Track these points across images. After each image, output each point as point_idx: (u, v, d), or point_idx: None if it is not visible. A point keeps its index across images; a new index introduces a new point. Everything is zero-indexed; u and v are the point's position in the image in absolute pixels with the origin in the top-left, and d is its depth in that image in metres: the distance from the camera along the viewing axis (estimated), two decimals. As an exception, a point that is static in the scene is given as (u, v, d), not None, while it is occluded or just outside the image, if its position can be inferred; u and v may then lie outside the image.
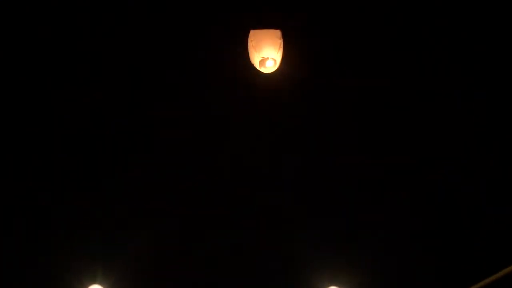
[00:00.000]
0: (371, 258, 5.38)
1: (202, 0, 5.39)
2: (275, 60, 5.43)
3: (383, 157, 5.37)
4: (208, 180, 5.44)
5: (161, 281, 5.47)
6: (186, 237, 5.46)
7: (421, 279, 5.29)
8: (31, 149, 5.42)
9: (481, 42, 5.28)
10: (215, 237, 5.41)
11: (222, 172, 5.44)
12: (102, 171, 5.47)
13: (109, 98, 5.40)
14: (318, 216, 5.43)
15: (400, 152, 5.39)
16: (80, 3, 5.25)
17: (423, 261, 5.34)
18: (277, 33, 5.44)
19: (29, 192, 5.43)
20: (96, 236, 5.45)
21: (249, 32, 5.41)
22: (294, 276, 5.39)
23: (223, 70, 5.49)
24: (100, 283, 5.60)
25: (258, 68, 5.45)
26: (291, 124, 5.49)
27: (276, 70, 5.46)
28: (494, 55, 5.30)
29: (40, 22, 5.29)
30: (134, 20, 5.38)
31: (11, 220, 5.47)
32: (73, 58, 5.38)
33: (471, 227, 5.30)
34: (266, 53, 5.40)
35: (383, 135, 5.43)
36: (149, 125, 5.45)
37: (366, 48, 5.47)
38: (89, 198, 5.45)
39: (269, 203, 5.43)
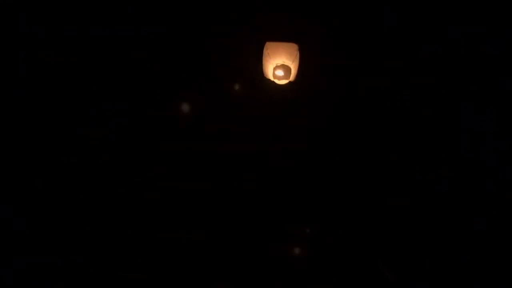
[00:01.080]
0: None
1: (219, 12, 5.42)
2: (289, 70, 5.34)
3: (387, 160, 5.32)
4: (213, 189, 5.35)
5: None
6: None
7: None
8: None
9: (482, 42, 5.27)
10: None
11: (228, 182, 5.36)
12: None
13: (111, 98, 5.38)
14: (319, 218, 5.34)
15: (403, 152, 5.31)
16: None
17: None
18: (294, 46, 5.38)
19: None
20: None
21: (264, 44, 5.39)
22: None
23: (235, 80, 5.44)
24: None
25: (271, 78, 5.37)
26: (299, 134, 5.39)
27: (289, 83, 5.38)
28: (495, 55, 5.28)
29: (38, 21, 5.31)
30: (142, 26, 5.40)
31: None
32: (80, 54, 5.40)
33: (472, 227, 5.24)
34: (280, 62, 5.34)
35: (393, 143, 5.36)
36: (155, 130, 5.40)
37: (383, 65, 5.42)
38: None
39: (278, 210, 5.32)
